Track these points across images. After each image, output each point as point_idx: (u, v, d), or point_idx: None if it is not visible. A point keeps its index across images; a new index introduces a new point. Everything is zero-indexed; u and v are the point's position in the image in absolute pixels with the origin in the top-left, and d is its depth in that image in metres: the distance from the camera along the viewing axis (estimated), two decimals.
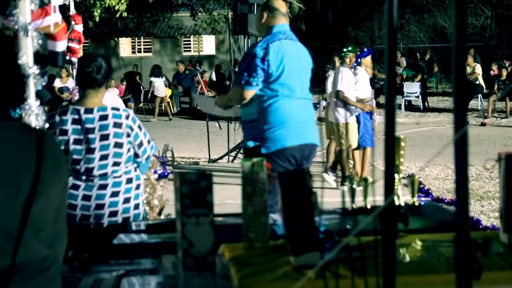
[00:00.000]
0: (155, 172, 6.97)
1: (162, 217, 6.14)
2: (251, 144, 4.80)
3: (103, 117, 3.71)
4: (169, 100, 22.54)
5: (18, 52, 3.66)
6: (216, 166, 10.83)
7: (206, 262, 2.46)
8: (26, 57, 3.73)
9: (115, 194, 3.75)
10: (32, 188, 1.81)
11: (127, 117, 3.76)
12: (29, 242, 1.81)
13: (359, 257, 2.12)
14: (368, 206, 3.00)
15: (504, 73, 19.96)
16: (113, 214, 3.74)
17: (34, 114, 3.66)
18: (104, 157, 3.70)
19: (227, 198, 6.53)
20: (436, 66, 25.57)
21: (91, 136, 3.68)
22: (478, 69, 19.83)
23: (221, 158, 11.60)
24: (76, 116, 3.71)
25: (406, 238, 2.63)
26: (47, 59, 4.19)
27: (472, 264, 1.44)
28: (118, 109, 3.78)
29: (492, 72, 20.70)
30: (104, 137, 3.70)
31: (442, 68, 26.70)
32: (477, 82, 19.59)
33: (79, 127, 3.69)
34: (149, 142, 3.90)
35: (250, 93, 4.75)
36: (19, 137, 1.87)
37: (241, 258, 2.47)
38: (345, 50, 9.30)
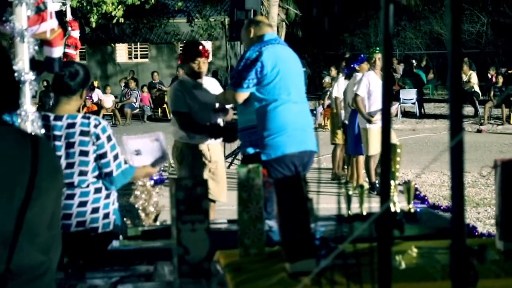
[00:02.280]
0: (151, 178, 6.97)
1: (158, 223, 6.12)
2: (251, 150, 4.80)
3: (71, 125, 3.68)
4: (166, 105, 22.55)
5: (14, 58, 3.65)
6: None
7: (202, 269, 2.45)
8: (22, 63, 3.72)
9: (82, 204, 3.70)
10: (27, 193, 1.80)
11: (95, 126, 3.69)
12: (24, 248, 1.81)
13: (354, 264, 2.12)
14: (364, 213, 3.00)
15: (501, 79, 20.02)
16: (81, 224, 3.69)
17: (30, 120, 3.64)
18: (70, 165, 3.66)
19: (223, 205, 6.51)
20: (432, 73, 25.62)
21: (57, 143, 3.66)
22: (474, 78, 19.87)
23: None
24: (46, 123, 3.70)
25: (402, 245, 2.63)
26: (43, 65, 4.18)
27: (468, 271, 1.44)
28: (88, 118, 3.72)
29: (489, 75, 20.77)
30: (70, 145, 3.66)
31: (438, 75, 26.76)
32: (473, 90, 19.64)
33: (46, 133, 3.68)
34: (115, 158, 3.75)
35: (241, 95, 4.78)
36: (14, 142, 1.86)
37: (237, 264, 2.46)
38: (370, 50, 9.22)
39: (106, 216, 3.80)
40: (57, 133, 3.68)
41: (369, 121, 8.79)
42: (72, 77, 3.75)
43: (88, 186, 3.72)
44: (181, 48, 5.88)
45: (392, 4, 1.45)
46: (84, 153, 3.68)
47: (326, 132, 14.01)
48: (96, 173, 3.74)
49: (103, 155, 3.72)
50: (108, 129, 3.76)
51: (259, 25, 4.98)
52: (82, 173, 3.69)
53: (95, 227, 3.73)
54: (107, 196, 3.82)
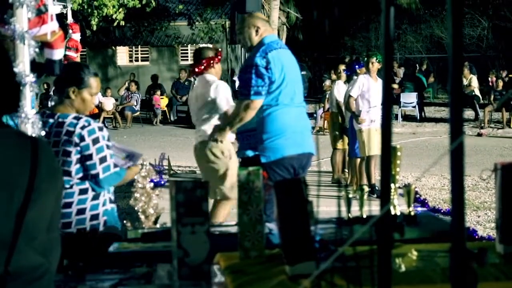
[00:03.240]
0: (151, 180, 6.97)
1: (158, 226, 6.12)
2: (250, 153, 4.80)
3: (60, 124, 3.69)
4: (166, 108, 22.55)
5: (15, 60, 3.66)
6: None
7: (202, 271, 2.45)
8: (23, 65, 3.73)
9: (67, 205, 3.69)
10: (26, 195, 1.81)
11: (82, 127, 3.67)
12: (23, 250, 1.81)
13: (354, 267, 2.12)
14: (364, 216, 3.00)
15: (501, 83, 20.02)
16: (67, 225, 3.68)
17: (30, 122, 3.65)
18: None
19: None
20: (432, 77, 25.64)
21: (48, 140, 3.67)
22: (474, 82, 19.88)
23: None
24: (41, 119, 3.75)
25: (402, 248, 2.63)
26: (43, 67, 4.19)
27: (468, 274, 1.44)
28: (78, 119, 3.70)
29: (489, 79, 20.77)
30: (55, 144, 3.67)
31: (438, 79, 26.76)
32: (474, 93, 19.65)
33: (43, 129, 3.71)
34: (102, 160, 3.72)
35: (259, 102, 4.71)
36: (13, 144, 1.86)
37: (237, 267, 2.46)
38: (370, 54, 9.26)
39: (94, 217, 3.78)
40: (48, 130, 3.72)
41: (357, 121, 8.88)
42: (57, 77, 3.79)
43: (72, 187, 3.71)
44: (216, 50, 6.21)
45: (393, 7, 1.45)
46: (67, 154, 3.67)
47: (326, 135, 14.00)
48: (81, 174, 3.72)
49: (88, 157, 3.69)
50: (97, 132, 3.71)
51: (266, 25, 4.91)
52: (65, 173, 3.66)
53: (81, 229, 3.68)
54: (95, 198, 3.79)
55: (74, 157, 3.68)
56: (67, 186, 3.69)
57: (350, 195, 3.03)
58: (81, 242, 3.40)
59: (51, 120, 3.72)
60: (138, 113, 21.86)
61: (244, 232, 2.56)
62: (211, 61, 5.94)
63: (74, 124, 3.68)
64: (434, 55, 31.14)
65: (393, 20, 1.46)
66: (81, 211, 3.73)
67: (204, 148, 5.85)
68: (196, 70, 5.99)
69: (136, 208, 6.33)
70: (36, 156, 1.85)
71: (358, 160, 9.29)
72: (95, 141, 3.70)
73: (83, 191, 3.74)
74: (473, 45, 30.75)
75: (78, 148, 3.67)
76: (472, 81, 19.75)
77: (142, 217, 6.33)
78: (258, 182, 2.55)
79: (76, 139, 3.66)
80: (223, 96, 5.84)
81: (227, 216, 5.90)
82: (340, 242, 2.36)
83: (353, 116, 9.01)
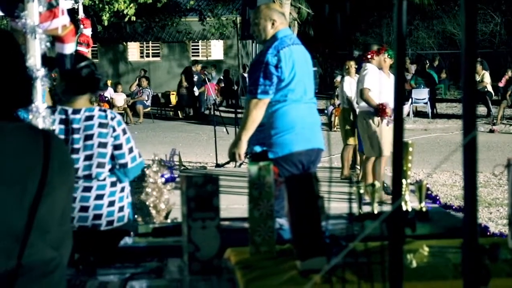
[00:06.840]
0: (162, 176, 6.99)
1: (169, 220, 6.13)
2: (258, 149, 4.77)
3: (89, 118, 3.75)
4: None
5: (26, 54, 3.66)
6: (223, 170, 10.82)
7: (212, 266, 2.45)
8: (34, 60, 3.74)
9: (99, 197, 3.76)
10: (39, 189, 1.81)
11: (112, 119, 3.78)
12: (35, 244, 1.81)
13: (365, 263, 2.12)
14: (375, 212, 2.99)
15: None
16: (97, 217, 3.74)
17: (41, 117, 3.66)
18: (88, 158, 3.72)
19: (234, 203, 6.51)
20: (444, 73, 25.51)
21: (76, 136, 3.71)
22: (487, 78, 19.78)
23: (228, 163, 11.60)
24: (64, 116, 3.75)
25: (413, 244, 2.62)
26: (55, 61, 4.19)
27: (480, 270, 1.43)
28: (104, 111, 3.81)
29: (504, 79, 20.59)
30: (89, 137, 3.72)
31: (450, 75, 26.64)
32: (486, 89, 19.56)
33: (65, 127, 3.73)
34: (131, 151, 3.85)
35: (266, 101, 4.69)
36: (26, 139, 1.87)
37: (247, 262, 2.46)
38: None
39: (121, 209, 3.86)
40: (75, 126, 3.74)
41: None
42: (79, 80, 3.80)
43: (104, 179, 3.78)
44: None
45: (405, 1, 1.45)
46: (103, 145, 3.75)
47: (338, 131, 13.97)
48: (110, 166, 3.81)
49: (118, 147, 3.80)
50: (123, 123, 3.86)
51: (281, 19, 4.84)
52: (100, 165, 3.75)
53: (110, 221, 3.79)
54: (122, 190, 3.89)
55: (109, 148, 3.78)
56: (100, 178, 3.77)
57: (361, 191, 3.03)
58: (93, 236, 3.42)
59: (78, 116, 3.75)
60: (149, 108, 21.91)
61: (255, 227, 2.56)
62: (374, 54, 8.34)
63: (104, 116, 3.78)
64: (446, 51, 31.00)
65: (406, 15, 1.45)
66: (111, 203, 3.81)
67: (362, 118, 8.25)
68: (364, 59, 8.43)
69: (147, 203, 6.36)
70: (48, 150, 1.85)
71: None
72: (124, 131, 3.84)
73: (113, 184, 3.83)
74: (485, 41, 30.60)
75: (112, 139, 3.78)
76: (484, 77, 19.65)
77: (153, 211, 6.35)
78: (269, 178, 2.55)
79: (111, 130, 3.77)
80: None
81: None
82: (351, 238, 2.35)
83: (375, 110, 8.52)
